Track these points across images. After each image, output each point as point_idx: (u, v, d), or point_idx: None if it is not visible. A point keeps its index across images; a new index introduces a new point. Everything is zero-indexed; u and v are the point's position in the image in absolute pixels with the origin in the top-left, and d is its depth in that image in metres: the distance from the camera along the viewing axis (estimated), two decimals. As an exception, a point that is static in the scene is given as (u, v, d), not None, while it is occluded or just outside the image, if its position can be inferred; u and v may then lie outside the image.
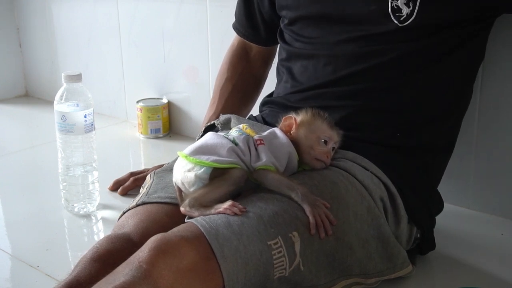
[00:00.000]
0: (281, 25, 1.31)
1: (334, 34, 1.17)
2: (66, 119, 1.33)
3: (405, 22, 1.10)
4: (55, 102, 1.34)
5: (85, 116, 1.34)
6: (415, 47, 1.12)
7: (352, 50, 1.15)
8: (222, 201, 0.95)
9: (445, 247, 1.22)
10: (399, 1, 1.09)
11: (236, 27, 1.47)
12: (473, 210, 1.42)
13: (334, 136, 1.07)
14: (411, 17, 1.09)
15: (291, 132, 1.06)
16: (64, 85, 1.34)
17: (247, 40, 1.46)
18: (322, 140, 1.05)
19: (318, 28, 1.20)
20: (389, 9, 1.10)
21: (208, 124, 1.32)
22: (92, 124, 1.37)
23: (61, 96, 1.34)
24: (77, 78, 1.34)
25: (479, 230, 1.33)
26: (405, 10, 1.09)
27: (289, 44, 1.28)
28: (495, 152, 1.36)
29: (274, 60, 1.49)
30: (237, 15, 1.46)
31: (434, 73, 1.14)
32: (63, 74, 1.34)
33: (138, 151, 1.96)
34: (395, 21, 1.10)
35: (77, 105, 1.33)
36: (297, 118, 1.07)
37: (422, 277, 1.13)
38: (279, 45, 1.35)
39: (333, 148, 1.08)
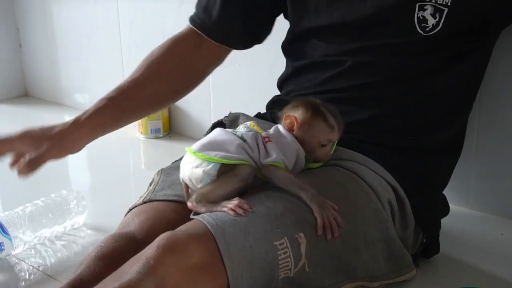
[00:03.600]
0: (291, 36, 1.27)
1: (354, 41, 1.15)
2: None
3: (430, 32, 1.09)
4: None
5: None
6: (434, 55, 1.12)
7: (371, 59, 1.14)
8: (229, 197, 0.94)
9: (445, 247, 1.22)
10: (425, 12, 1.08)
11: (197, 22, 1.29)
12: (474, 210, 1.42)
13: (334, 137, 1.06)
14: (436, 28, 1.08)
15: (293, 131, 1.06)
16: None
17: (212, 39, 1.29)
18: (322, 144, 1.05)
19: (338, 38, 1.18)
20: (415, 19, 1.09)
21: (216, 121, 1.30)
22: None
23: None
24: None
25: (479, 230, 1.34)
26: (431, 21, 1.08)
27: (302, 58, 1.24)
28: (495, 153, 1.36)
29: (275, 61, 1.46)
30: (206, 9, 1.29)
31: (448, 78, 1.14)
32: None
33: (138, 151, 1.96)
34: (420, 31, 1.09)
35: None
36: (296, 116, 1.05)
37: (423, 277, 1.13)
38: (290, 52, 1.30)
39: (333, 144, 1.07)
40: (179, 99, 1.36)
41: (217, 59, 1.33)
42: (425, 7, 1.08)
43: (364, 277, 1.01)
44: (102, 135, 1.19)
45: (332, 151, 1.07)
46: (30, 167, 1.09)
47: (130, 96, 1.22)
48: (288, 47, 1.30)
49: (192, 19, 1.30)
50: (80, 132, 1.14)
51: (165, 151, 1.90)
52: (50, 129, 1.13)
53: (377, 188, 1.05)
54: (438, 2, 1.07)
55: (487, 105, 1.34)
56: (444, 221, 1.24)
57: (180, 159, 1.04)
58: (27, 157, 1.10)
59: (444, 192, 1.25)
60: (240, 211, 0.92)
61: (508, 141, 1.34)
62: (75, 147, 1.15)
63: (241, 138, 1.00)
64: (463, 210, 1.42)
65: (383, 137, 1.14)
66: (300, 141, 1.04)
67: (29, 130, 1.12)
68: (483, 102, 1.34)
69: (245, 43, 1.33)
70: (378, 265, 1.02)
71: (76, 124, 1.15)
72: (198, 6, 1.31)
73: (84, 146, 1.18)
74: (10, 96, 2.46)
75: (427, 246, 1.17)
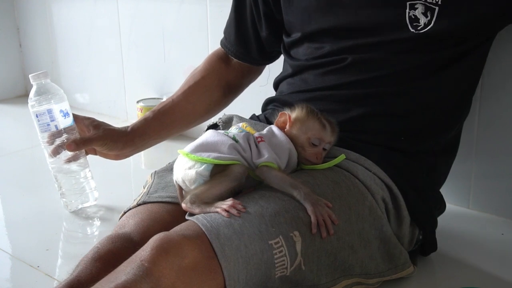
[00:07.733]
0: (288, 40, 1.28)
1: (347, 40, 1.16)
2: (44, 118, 1.32)
3: (421, 31, 1.09)
4: (29, 106, 1.33)
5: (61, 111, 1.33)
6: (427, 55, 1.12)
7: (362, 57, 1.14)
8: (223, 197, 0.95)
9: (445, 247, 1.22)
10: (416, 11, 1.09)
11: (225, 45, 1.41)
12: (474, 210, 1.42)
13: (326, 137, 1.06)
14: (428, 26, 1.09)
15: (285, 129, 1.06)
16: (34, 85, 1.33)
17: (235, 58, 1.41)
18: (312, 142, 1.05)
19: (333, 38, 1.18)
20: (407, 19, 1.10)
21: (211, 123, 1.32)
22: (70, 116, 1.34)
23: (33, 97, 1.32)
24: (43, 75, 1.33)
25: (479, 230, 1.33)
26: (423, 20, 1.09)
27: (299, 59, 1.25)
28: (495, 152, 1.36)
29: (272, 64, 1.46)
30: (227, 33, 1.42)
31: (442, 79, 1.14)
32: (30, 76, 1.33)
33: (138, 151, 1.96)
34: (412, 30, 1.10)
35: (52, 102, 1.32)
36: (291, 115, 1.07)
37: (423, 277, 1.13)
38: (285, 57, 1.32)
39: (325, 149, 1.07)
40: (215, 113, 1.44)
41: (248, 74, 1.43)
42: (416, 6, 1.09)
43: (361, 274, 1.01)
44: (149, 145, 1.35)
45: (332, 163, 1.06)
46: (77, 144, 1.25)
47: (167, 109, 1.35)
48: (283, 50, 1.32)
49: (222, 39, 1.42)
50: (129, 137, 1.29)
51: (165, 151, 1.89)
52: (109, 125, 1.31)
53: (371, 186, 1.05)
54: (428, 0, 1.08)
55: (487, 105, 1.34)
56: (444, 221, 1.24)
57: (173, 161, 1.05)
58: (77, 135, 1.32)
59: (444, 192, 1.25)
60: (234, 211, 0.92)
61: (508, 141, 1.34)
62: (124, 148, 1.30)
63: (233, 139, 1.01)
64: (463, 210, 1.42)
65: (376, 136, 1.14)
66: (292, 138, 1.05)
67: (93, 118, 1.32)
68: (483, 102, 1.34)
69: (265, 61, 1.42)
70: (374, 262, 1.03)
71: (126, 129, 1.30)
72: (225, 27, 1.42)
73: (130, 153, 1.33)
74: (10, 96, 2.46)
75: (423, 244, 1.16)
